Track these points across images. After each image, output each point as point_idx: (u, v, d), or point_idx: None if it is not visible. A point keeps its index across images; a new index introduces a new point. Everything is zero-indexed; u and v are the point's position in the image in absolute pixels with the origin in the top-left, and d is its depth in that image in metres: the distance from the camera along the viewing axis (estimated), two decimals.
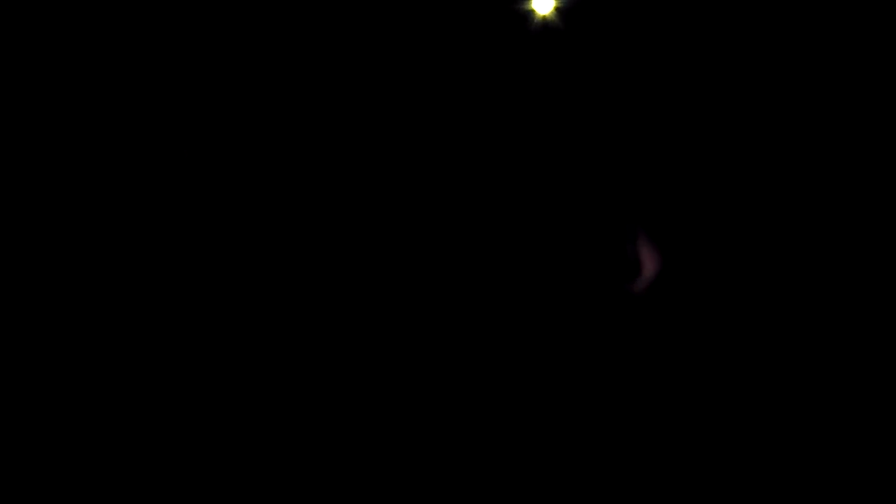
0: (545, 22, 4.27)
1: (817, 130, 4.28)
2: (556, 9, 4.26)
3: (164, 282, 4.22)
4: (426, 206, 4.31)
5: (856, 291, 4.19)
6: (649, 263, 4.22)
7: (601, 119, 4.31)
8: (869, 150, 4.27)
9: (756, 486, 4.04)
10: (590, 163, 4.30)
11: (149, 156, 4.29)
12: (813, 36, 4.27)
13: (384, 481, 4.07)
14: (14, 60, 4.25)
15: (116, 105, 4.30)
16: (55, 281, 4.19)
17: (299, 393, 4.16)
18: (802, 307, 4.20)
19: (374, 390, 4.18)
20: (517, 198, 4.30)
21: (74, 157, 4.27)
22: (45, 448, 4.06)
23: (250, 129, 4.32)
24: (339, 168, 4.33)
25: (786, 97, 4.29)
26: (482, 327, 4.23)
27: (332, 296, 4.26)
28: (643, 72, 4.30)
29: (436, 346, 4.22)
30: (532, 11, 4.27)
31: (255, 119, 4.33)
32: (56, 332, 4.16)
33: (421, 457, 4.10)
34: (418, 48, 4.33)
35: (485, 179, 4.31)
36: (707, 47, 4.28)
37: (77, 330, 4.17)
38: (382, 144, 4.33)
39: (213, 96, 4.32)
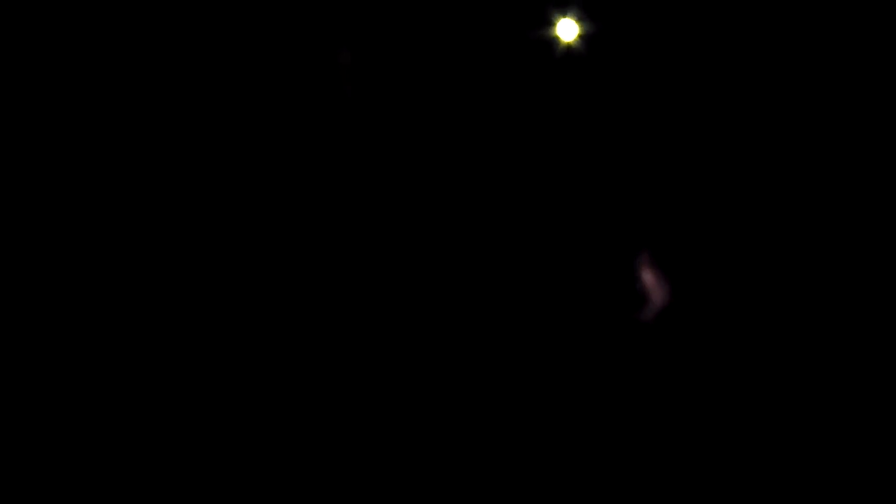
0: (569, 49, 4.35)
1: (831, 159, 4.31)
2: (580, 36, 4.34)
3: (163, 282, 4.22)
4: (447, 229, 4.32)
5: (863, 321, 4.16)
6: (658, 292, 4.19)
7: (622, 143, 4.35)
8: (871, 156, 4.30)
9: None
10: (608, 187, 4.32)
11: (148, 156, 4.33)
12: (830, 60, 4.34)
13: (384, 481, 4.00)
14: (14, 60, 4.33)
15: (116, 105, 4.36)
16: (55, 281, 4.20)
17: (299, 393, 4.13)
18: (815, 338, 4.16)
19: (373, 390, 4.14)
20: (534, 220, 4.32)
21: (74, 157, 4.31)
22: (45, 448, 4.01)
23: (250, 130, 4.37)
24: (365, 181, 4.37)
25: (808, 133, 4.33)
26: (491, 352, 4.20)
27: (332, 296, 4.25)
28: (665, 99, 4.35)
29: (441, 364, 4.19)
30: (556, 38, 4.35)
31: (256, 119, 4.38)
32: (56, 332, 4.15)
33: (420, 457, 4.04)
34: (448, 73, 4.41)
35: (505, 202, 4.33)
36: (728, 77, 4.34)
37: (77, 330, 4.16)
38: (410, 171, 4.37)
39: (213, 97, 4.38)
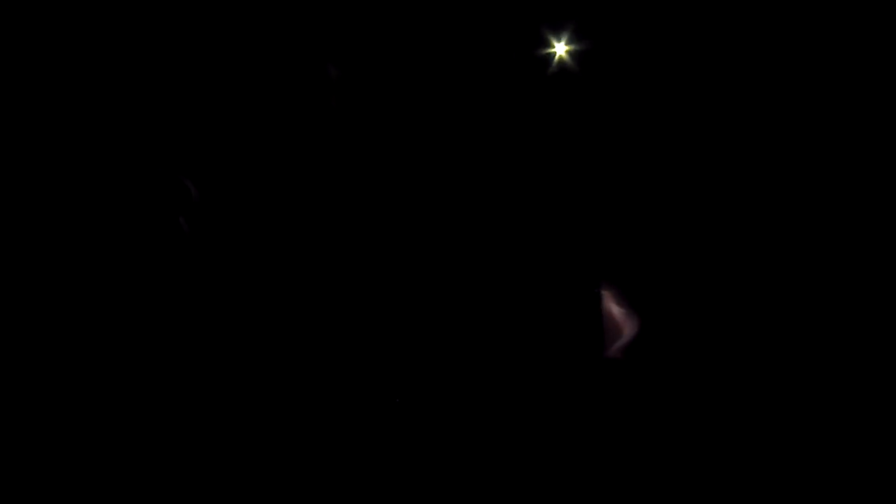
0: (560, 64, 4.36)
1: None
2: (569, 51, 4.35)
3: (164, 282, 4.27)
4: (425, 248, 4.35)
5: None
6: (627, 327, 4.19)
7: (610, 165, 4.35)
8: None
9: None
10: (592, 209, 4.33)
11: (148, 156, 4.35)
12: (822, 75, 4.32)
13: (384, 481, 4.08)
14: (14, 60, 4.33)
15: (116, 105, 4.36)
16: (55, 281, 4.24)
17: (299, 393, 4.20)
18: (795, 368, 4.18)
19: (371, 390, 4.20)
20: (511, 244, 4.34)
21: (74, 157, 4.33)
22: (45, 448, 4.10)
23: (236, 143, 4.38)
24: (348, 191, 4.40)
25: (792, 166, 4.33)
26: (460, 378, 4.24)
27: (328, 297, 4.30)
28: (656, 118, 4.36)
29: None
30: (548, 53, 4.36)
31: (241, 132, 4.38)
32: (56, 333, 4.20)
33: (418, 457, 4.12)
34: (440, 87, 4.41)
35: (490, 220, 4.35)
36: (721, 93, 4.33)
37: (77, 330, 4.21)
38: (397, 186, 4.39)
39: (213, 97, 4.38)
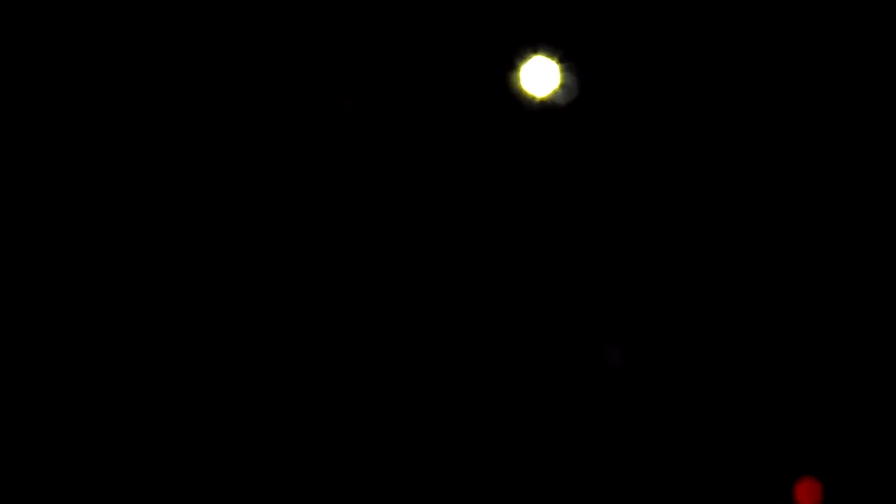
0: (544, 103, 4.44)
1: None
2: (557, 90, 4.45)
3: (164, 282, 4.29)
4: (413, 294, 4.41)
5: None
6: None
7: (595, 202, 4.44)
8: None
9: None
10: (577, 246, 4.44)
11: (148, 156, 4.37)
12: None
13: (384, 481, 4.15)
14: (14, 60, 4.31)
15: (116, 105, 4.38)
16: (55, 281, 4.25)
17: (299, 392, 4.25)
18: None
19: (369, 390, 4.26)
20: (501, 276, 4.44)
21: (74, 157, 4.34)
22: (45, 448, 4.14)
23: (250, 130, 4.43)
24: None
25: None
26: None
27: (326, 298, 4.36)
28: (640, 158, 4.44)
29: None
30: (530, 94, 4.45)
31: (256, 120, 4.43)
32: (55, 333, 4.22)
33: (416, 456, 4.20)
34: (425, 123, 4.49)
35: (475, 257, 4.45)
36: (706, 137, 4.41)
37: (77, 330, 4.23)
38: (384, 223, 4.47)
39: (213, 97, 4.41)
